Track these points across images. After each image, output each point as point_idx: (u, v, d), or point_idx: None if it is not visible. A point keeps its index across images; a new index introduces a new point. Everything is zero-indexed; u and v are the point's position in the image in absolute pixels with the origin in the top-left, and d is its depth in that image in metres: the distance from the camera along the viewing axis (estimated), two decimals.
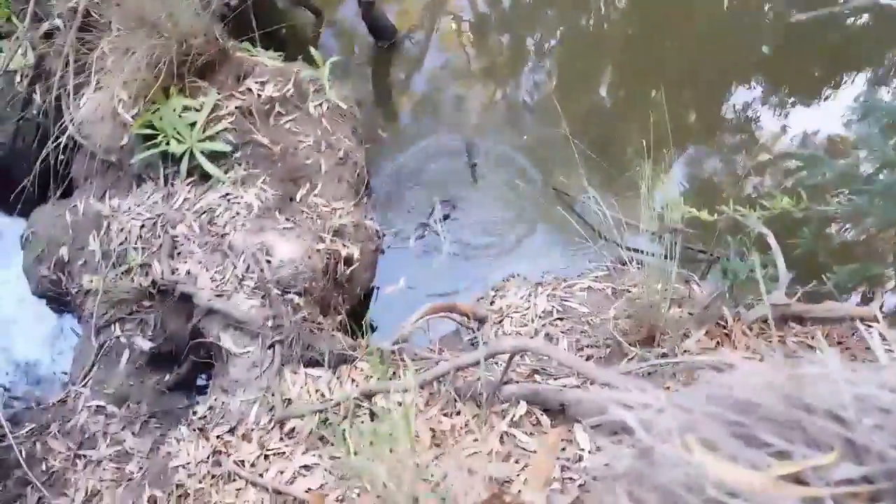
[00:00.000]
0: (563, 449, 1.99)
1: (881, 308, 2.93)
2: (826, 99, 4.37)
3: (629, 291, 2.92)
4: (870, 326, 2.74)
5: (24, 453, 2.45)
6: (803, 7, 4.59)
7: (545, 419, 2.18)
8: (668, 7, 4.91)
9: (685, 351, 2.51)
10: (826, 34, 4.43)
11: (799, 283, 2.85)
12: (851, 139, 4.01)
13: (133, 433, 2.62)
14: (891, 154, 2.04)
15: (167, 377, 2.92)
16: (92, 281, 2.99)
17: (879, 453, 0.75)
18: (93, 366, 2.86)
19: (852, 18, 4.45)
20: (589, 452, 1.98)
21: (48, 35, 3.45)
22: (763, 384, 0.79)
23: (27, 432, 2.55)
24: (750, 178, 3.97)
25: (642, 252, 3.06)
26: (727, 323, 2.68)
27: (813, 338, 2.68)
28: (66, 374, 3.08)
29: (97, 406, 2.69)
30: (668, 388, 2.25)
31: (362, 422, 2.21)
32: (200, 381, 3.06)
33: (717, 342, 2.62)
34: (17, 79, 3.51)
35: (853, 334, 2.71)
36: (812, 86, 4.43)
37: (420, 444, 1.48)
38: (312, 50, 3.66)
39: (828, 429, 0.74)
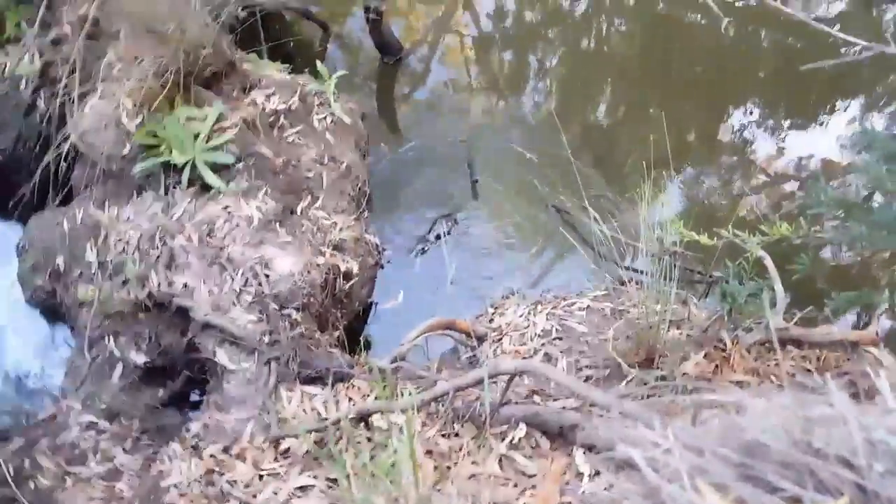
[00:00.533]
0: (563, 473, 1.97)
1: (877, 334, 2.94)
2: (822, 123, 4.43)
3: (628, 312, 2.92)
4: (868, 351, 2.75)
5: (11, 470, 2.38)
6: (800, 36, 4.66)
7: (544, 442, 2.17)
8: (669, 28, 4.97)
9: (684, 374, 2.51)
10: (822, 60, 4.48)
11: (797, 307, 2.86)
12: (845, 163, 4.06)
13: (124, 449, 2.56)
14: (889, 185, 2.06)
15: (161, 392, 2.88)
16: (88, 292, 2.97)
17: (890, 500, 0.74)
18: (85, 379, 2.82)
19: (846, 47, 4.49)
20: (588, 477, 1.97)
21: (56, 42, 3.45)
22: (774, 426, 0.79)
23: (16, 448, 2.50)
24: (749, 200, 4.00)
25: (641, 272, 3.06)
26: (726, 346, 2.68)
27: (811, 361, 2.68)
28: (57, 387, 3.03)
29: (89, 421, 2.63)
30: (668, 411, 2.24)
31: (359, 442, 2.19)
32: (194, 397, 3.02)
33: (716, 365, 2.62)
34: (22, 85, 3.50)
35: (849, 359, 2.72)
36: (809, 109, 4.49)
37: (421, 471, 1.47)
38: (319, 64, 3.68)
39: (839, 474, 0.74)
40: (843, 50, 4.32)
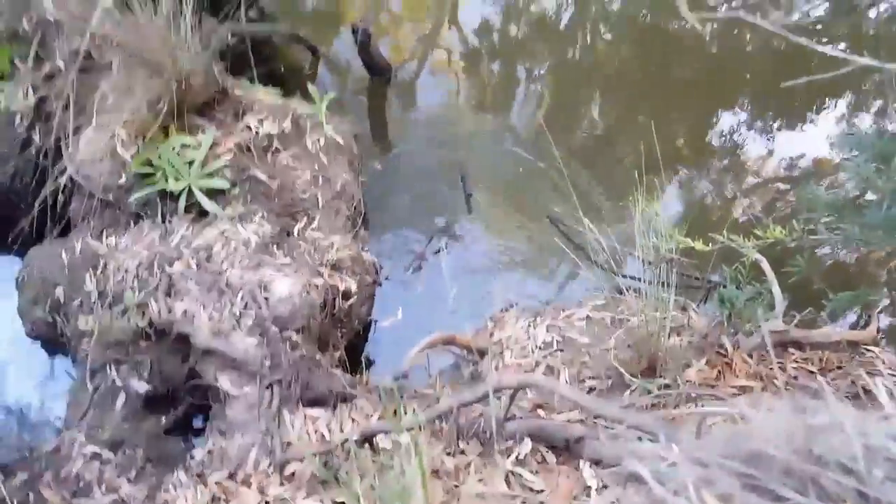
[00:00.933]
0: (572, 491, 1.97)
1: (878, 331, 2.95)
2: (812, 122, 4.47)
3: (628, 320, 2.93)
4: (869, 350, 2.76)
5: None
6: (784, 39, 4.70)
7: (551, 456, 2.17)
8: (654, 36, 5.02)
9: (687, 381, 2.52)
10: (809, 65, 4.53)
11: (796, 309, 2.87)
12: (836, 161, 4.10)
13: (129, 480, 2.55)
14: (879, 184, 2.09)
15: (163, 420, 2.88)
16: (88, 322, 2.97)
17: None
18: (87, 410, 2.81)
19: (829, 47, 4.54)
20: (596, 491, 1.97)
21: (49, 77, 3.47)
22: (776, 436, 0.80)
23: (19, 482, 2.48)
24: (742, 203, 4.03)
25: (639, 280, 3.08)
26: (727, 351, 2.69)
27: (813, 363, 2.69)
28: (60, 419, 3.03)
29: (92, 452, 2.63)
30: (673, 419, 2.25)
31: (364, 463, 2.18)
32: (198, 423, 3.02)
33: (718, 371, 2.63)
34: (18, 120, 3.52)
35: (853, 358, 2.72)
36: (797, 110, 4.53)
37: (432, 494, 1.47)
38: (310, 86, 3.71)
39: (840, 481, 0.75)
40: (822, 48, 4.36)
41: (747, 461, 0.83)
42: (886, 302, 3.53)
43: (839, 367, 2.65)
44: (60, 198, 3.32)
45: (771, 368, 2.50)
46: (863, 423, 0.79)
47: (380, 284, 3.54)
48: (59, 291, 3.13)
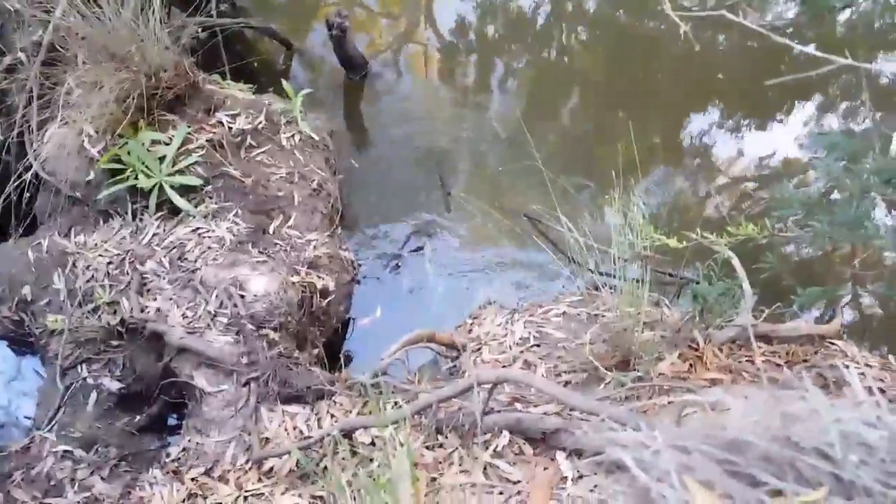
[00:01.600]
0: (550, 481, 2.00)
1: (842, 325, 3.04)
2: (782, 122, 4.58)
3: (603, 316, 2.97)
4: (833, 343, 2.85)
5: None
6: (757, 38, 4.82)
7: (527, 448, 2.19)
8: (630, 36, 5.08)
9: (660, 374, 2.57)
10: (780, 66, 4.64)
11: (765, 304, 2.95)
12: (805, 160, 4.21)
13: (102, 478, 2.52)
14: (847, 183, 2.15)
15: (137, 418, 2.84)
16: (57, 321, 2.90)
17: (865, 488, 0.78)
18: (58, 409, 2.76)
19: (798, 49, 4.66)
20: (572, 481, 2.00)
21: (10, 69, 3.37)
22: (754, 424, 0.83)
23: None
24: (715, 201, 4.11)
25: (614, 276, 3.13)
26: (699, 345, 2.75)
27: (781, 356, 2.77)
28: (29, 418, 2.97)
29: (63, 451, 2.59)
30: (646, 410, 2.29)
31: (344, 458, 2.18)
32: (172, 422, 2.98)
33: (690, 364, 2.68)
34: None
35: (816, 352, 2.81)
36: (769, 110, 4.63)
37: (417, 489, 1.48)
38: (284, 82, 3.67)
39: (816, 466, 0.78)
40: (796, 50, 4.47)
41: (727, 448, 0.85)
42: (849, 297, 3.66)
43: (805, 360, 2.73)
44: (25, 194, 3.24)
45: (744, 361, 2.56)
46: (837, 411, 0.83)
47: (358, 282, 3.53)
48: (26, 290, 3.05)
